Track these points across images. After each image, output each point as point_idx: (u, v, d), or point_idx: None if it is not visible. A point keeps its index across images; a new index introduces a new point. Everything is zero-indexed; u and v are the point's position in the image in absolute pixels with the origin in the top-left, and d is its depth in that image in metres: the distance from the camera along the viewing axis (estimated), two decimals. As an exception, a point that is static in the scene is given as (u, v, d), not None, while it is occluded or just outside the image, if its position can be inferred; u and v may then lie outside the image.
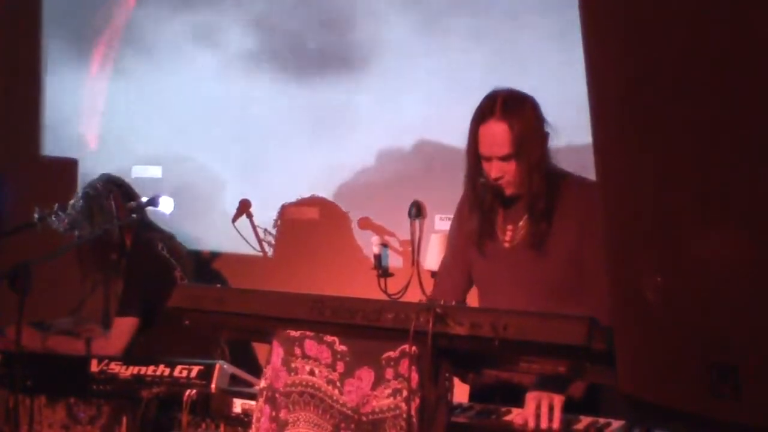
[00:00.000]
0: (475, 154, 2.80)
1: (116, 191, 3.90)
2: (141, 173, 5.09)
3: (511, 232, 2.88)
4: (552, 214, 2.79)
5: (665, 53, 1.21)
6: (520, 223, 2.85)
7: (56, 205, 3.87)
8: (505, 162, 2.76)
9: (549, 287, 2.78)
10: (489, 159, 2.78)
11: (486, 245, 2.88)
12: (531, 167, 2.76)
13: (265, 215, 4.88)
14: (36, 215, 3.85)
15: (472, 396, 2.88)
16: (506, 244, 2.88)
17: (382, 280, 4.38)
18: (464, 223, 2.96)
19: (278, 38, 4.91)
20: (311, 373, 2.39)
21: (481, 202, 2.85)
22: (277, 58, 4.92)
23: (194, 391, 2.82)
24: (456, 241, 3.03)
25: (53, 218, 3.85)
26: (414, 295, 4.05)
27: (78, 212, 3.82)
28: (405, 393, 2.24)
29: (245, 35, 5.00)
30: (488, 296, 2.93)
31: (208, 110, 5.05)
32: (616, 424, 2.44)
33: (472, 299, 3.05)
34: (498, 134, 2.74)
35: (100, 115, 5.38)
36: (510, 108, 2.75)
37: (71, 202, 3.88)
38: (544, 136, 2.80)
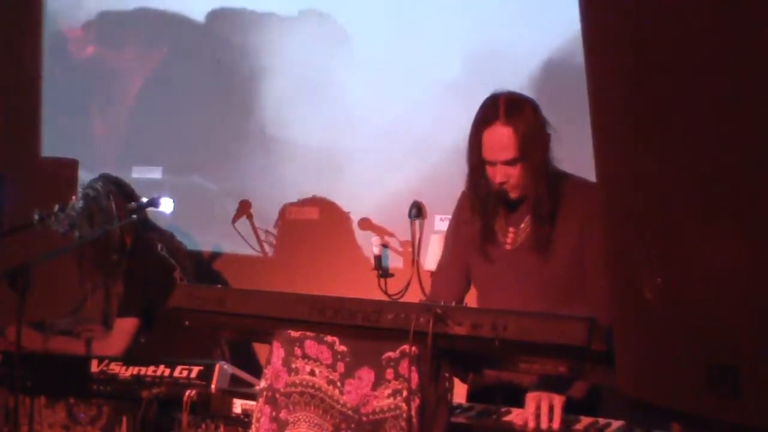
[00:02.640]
0: (478, 159, 2.79)
1: (116, 191, 3.90)
2: (141, 173, 5.08)
3: (513, 234, 2.87)
4: (555, 215, 2.80)
5: (665, 56, 1.21)
6: (522, 225, 2.85)
7: (56, 206, 3.87)
8: (510, 166, 2.75)
9: (551, 288, 2.78)
10: (493, 163, 2.77)
11: (487, 249, 2.88)
12: (535, 170, 2.76)
13: (266, 216, 4.88)
14: (35, 216, 3.85)
15: (472, 396, 2.88)
16: (508, 246, 2.88)
17: (382, 281, 4.39)
18: (463, 225, 2.95)
19: (278, 42, 4.91)
20: (311, 373, 2.39)
21: (484, 206, 2.85)
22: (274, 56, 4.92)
23: (194, 391, 2.82)
24: (454, 243, 3.03)
25: (52, 219, 3.84)
26: (414, 296, 4.07)
27: (78, 213, 3.82)
28: (405, 393, 2.24)
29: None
30: (488, 298, 2.93)
31: (208, 110, 5.05)
32: (616, 424, 2.44)
33: (471, 301, 3.05)
34: (504, 139, 2.74)
35: (100, 115, 5.38)
36: (513, 111, 2.75)
37: (71, 203, 3.88)
38: (546, 138, 2.80)
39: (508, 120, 2.74)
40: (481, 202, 2.85)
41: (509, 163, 2.75)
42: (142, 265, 3.83)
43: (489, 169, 2.78)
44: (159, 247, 3.88)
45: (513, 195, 2.80)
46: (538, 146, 2.77)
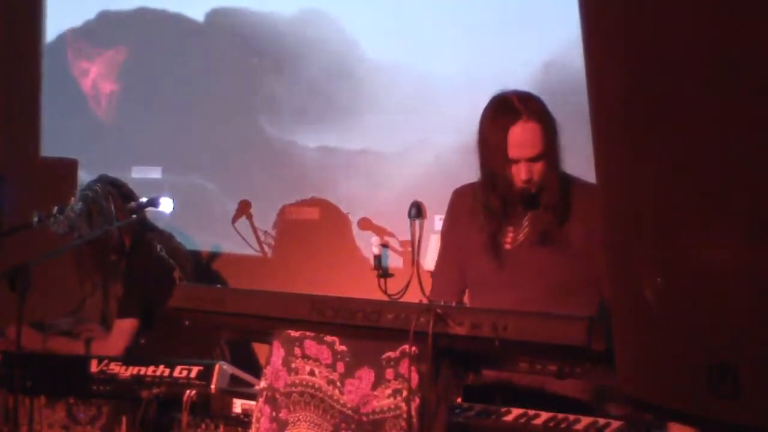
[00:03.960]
0: (503, 160, 2.77)
1: (114, 192, 3.90)
2: (141, 173, 5.08)
3: (511, 233, 2.87)
4: (566, 213, 2.80)
5: (665, 57, 1.21)
6: (523, 223, 2.85)
7: (55, 207, 3.87)
8: (534, 162, 2.75)
9: (552, 285, 2.79)
10: (518, 161, 2.76)
11: (490, 251, 2.87)
12: (553, 165, 2.77)
13: (265, 216, 4.88)
14: (35, 218, 3.84)
15: (472, 396, 2.88)
16: (507, 246, 2.87)
17: (382, 281, 4.39)
18: (460, 227, 2.95)
19: (278, 42, 4.91)
20: (311, 373, 2.39)
21: (503, 208, 2.82)
22: (275, 60, 4.92)
23: (194, 391, 2.82)
24: (451, 242, 3.02)
25: (51, 221, 3.84)
26: (414, 296, 4.07)
27: (76, 214, 3.82)
28: (405, 393, 2.24)
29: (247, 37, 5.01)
30: (482, 298, 2.92)
31: (208, 110, 5.05)
32: (616, 424, 2.44)
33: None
34: (531, 134, 2.73)
35: (99, 115, 5.38)
36: (532, 106, 2.75)
37: (70, 204, 3.87)
38: (558, 133, 2.81)
39: (531, 116, 2.74)
40: (501, 204, 2.82)
41: (534, 159, 2.75)
42: (141, 266, 3.83)
43: (513, 168, 2.77)
44: (158, 247, 3.88)
45: (533, 191, 2.80)
46: (556, 140, 2.78)
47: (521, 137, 2.73)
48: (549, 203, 2.79)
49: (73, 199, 3.90)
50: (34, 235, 3.94)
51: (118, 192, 3.92)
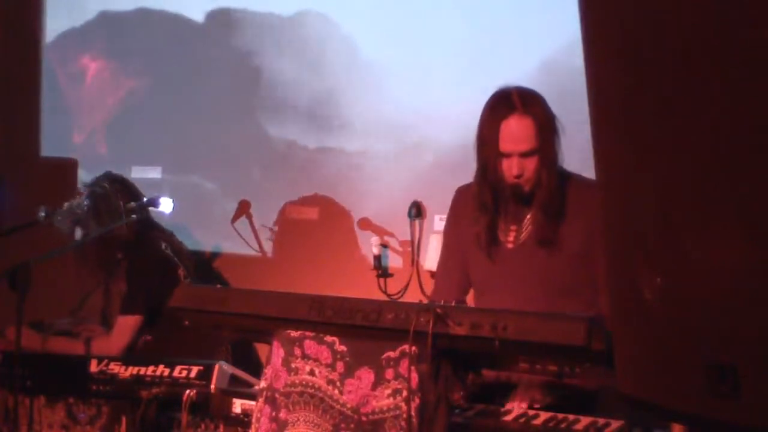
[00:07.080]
0: (494, 152, 2.78)
1: (122, 190, 3.90)
2: (141, 173, 5.08)
3: (514, 232, 2.87)
4: (562, 211, 2.80)
5: (664, 56, 1.21)
6: (525, 222, 2.85)
7: (65, 204, 3.86)
8: (526, 158, 2.75)
9: (553, 284, 2.79)
10: (509, 156, 2.76)
11: (491, 248, 2.87)
12: (549, 162, 2.77)
13: (265, 216, 4.88)
14: (42, 213, 3.83)
15: (472, 396, 2.88)
16: (509, 245, 2.87)
17: (381, 281, 4.39)
18: (464, 223, 2.95)
19: (277, 42, 4.92)
20: (311, 373, 2.39)
21: (495, 202, 2.83)
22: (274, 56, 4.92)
23: (194, 391, 2.82)
24: (454, 240, 3.02)
25: (58, 218, 3.83)
26: (414, 296, 4.07)
27: (84, 211, 3.81)
28: (405, 393, 2.24)
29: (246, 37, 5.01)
30: (486, 297, 2.92)
31: (208, 110, 5.05)
32: (616, 424, 2.44)
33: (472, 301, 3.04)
34: (523, 129, 2.74)
35: (99, 115, 5.38)
36: (530, 102, 2.76)
37: (73, 202, 3.86)
38: (557, 132, 2.80)
39: (527, 110, 2.74)
40: (492, 198, 2.83)
41: (527, 154, 2.75)
42: (145, 263, 3.83)
43: (504, 162, 2.77)
44: (163, 245, 3.89)
45: (526, 188, 2.80)
46: (551, 139, 2.78)
47: (513, 131, 2.74)
48: (542, 202, 2.79)
49: (79, 195, 3.89)
50: (35, 234, 3.93)
51: (125, 190, 3.92)
